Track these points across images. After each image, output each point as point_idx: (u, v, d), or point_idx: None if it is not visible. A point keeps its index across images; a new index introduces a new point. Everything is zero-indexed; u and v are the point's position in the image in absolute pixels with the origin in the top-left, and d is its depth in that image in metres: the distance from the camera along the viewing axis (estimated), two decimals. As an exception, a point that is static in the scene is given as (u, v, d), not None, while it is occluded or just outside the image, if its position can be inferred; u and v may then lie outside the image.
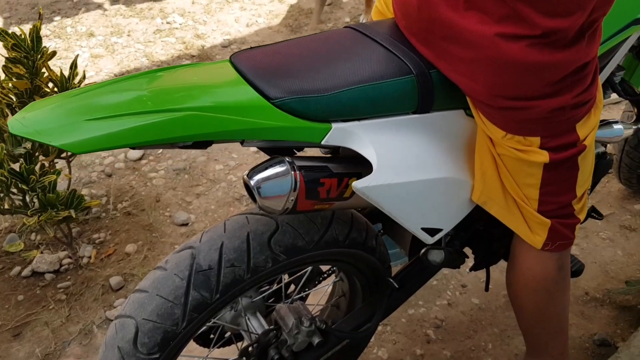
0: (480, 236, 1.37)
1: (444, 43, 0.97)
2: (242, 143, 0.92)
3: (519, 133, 1.01)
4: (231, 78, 0.93)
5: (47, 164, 1.79)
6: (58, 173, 1.74)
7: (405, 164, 1.00)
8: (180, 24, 3.51)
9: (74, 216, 1.75)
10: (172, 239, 2.13)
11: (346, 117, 0.95)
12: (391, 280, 1.34)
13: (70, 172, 1.97)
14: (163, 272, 1.07)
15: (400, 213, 1.02)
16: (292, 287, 1.49)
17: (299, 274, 1.43)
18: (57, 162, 1.93)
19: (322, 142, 0.93)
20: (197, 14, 3.61)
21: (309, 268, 1.40)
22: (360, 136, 0.96)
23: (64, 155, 1.91)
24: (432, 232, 1.10)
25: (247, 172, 0.94)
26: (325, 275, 1.54)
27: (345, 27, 1.11)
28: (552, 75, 0.93)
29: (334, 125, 0.93)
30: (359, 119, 0.97)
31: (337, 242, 1.18)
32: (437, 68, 1.01)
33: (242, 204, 2.26)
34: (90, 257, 2.06)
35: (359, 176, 1.01)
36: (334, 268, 1.54)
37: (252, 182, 0.92)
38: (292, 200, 0.93)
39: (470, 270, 1.48)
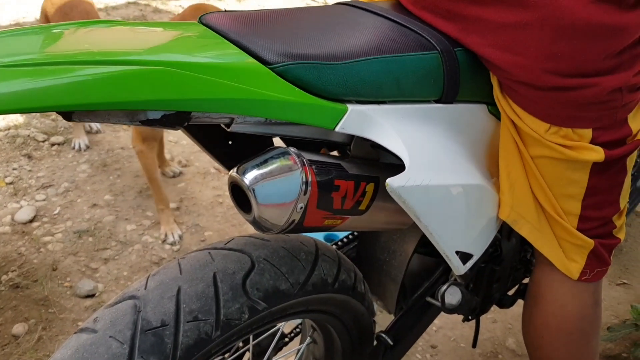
0: (481, 275, 1.14)
1: (476, 9, 0.77)
2: (228, 126, 0.64)
3: (567, 124, 0.81)
4: (209, 38, 0.66)
5: None
6: None
7: (438, 163, 0.76)
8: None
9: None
10: (75, 314, 1.71)
11: (364, 97, 0.71)
12: (384, 335, 1.06)
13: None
14: (91, 336, 0.73)
15: (437, 227, 0.76)
16: (247, 356, 1.18)
17: (259, 338, 1.12)
18: None
19: (337, 129, 0.67)
20: None
21: (279, 327, 1.09)
22: (382, 124, 0.71)
23: None
24: (463, 259, 0.85)
25: (235, 167, 0.65)
26: (288, 339, 1.24)
27: (337, 3, 0.88)
28: (615, 44, 0.75)
29: (351, 107, 0.68)
30: (377, 102, 0.72)
31: (325, 285, 0.90)
32: (462, 45, 0.80)
33: (161, 269, 1.89)
34: (-37, 344, 1.59)
35: (376, 182, 0.76)
36: (300, 328, 1.25)
37: (246, 181, 0.63)
38: (301, 208, 0.65)
39: (464, 320, 1.24)
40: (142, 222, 2.08)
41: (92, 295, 1.78)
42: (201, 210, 2.16)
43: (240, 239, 0.87)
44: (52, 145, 2.50)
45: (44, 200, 2.15)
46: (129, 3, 4.26)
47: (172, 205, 2.16)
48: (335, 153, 1.04)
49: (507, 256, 1.14)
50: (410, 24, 0.81)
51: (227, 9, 0.74)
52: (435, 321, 1.73)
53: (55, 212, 2.10)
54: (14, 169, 2.30)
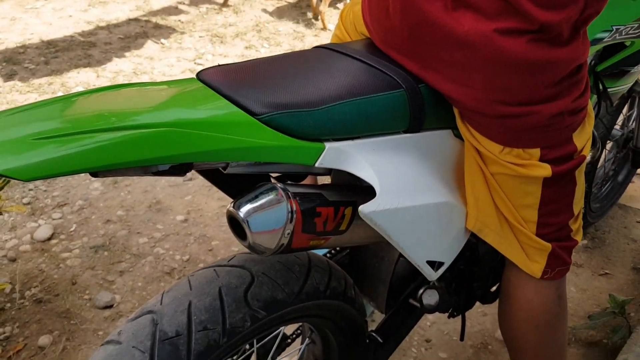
0: (462, 276, 1.26)
1: (432, 49, 0.89)
2: (224, 169, 0.77)
3: (518, 145, 0.93)
4: (205, 94, 0.78)
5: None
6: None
7: (407, 187, 0.88)
8: (84, 98, 3.28)
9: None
10: (95, 325, 1.84)
11: (339, 135, 0.83)
12: (374, 334, 1.19)
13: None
14: (117, 347, 0.86)
15: (407, 243, 0.89)
16: (254, 358, 1.30)
17: (263, 340, 1.25)
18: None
19: (316, 164, 0.80)
20: (102, 87, 3.39)
21: (280, 330, 1.22)
22: (356, 157, 0.83)
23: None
24: (434, 266, 0.98)
25: (231, 203, 0.78)
26: (290, 340, 1.37)
27: (315, 47, 1.01)
28: (552, 75, 0.87)
29: (328, 145, 0.81)
30: (352, 138, 0.85)
31: (318, 293, 1.02)
32: (424, 81, 0.92)
33: (173, 278, 2.03)
34: (-6, 357, 1.73)
35: (354, 205, 0.88)
36: (300, 330, 1.37)
37: (241, 214, 0.76)
38: (288, 234, 0.78)
39: (450, 317, 1.36)
40: (153, 235, 2.22)
41: (111, 306, 1.91)
42: (207, 221, 2.29)
43: (241, 255, 1.00)
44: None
45: (60, 218, 2.29)
46: (130, 20, 4.39)
47: (180, 217, 2.30)
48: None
49: (484, 258, 1.26)
50: (379, 64, 0.93)
51: (220, 64, 0.87)
52: (430, 317, 1.86)
53: (72, 229, 2.24)
54: (30, 189, 2.44)
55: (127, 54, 3.83)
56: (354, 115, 0.83)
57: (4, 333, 1.80)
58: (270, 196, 0.77)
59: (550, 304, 1.08)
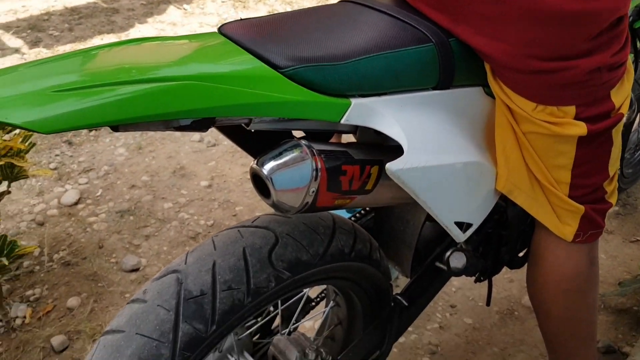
0: (490, 240, 1.23)
1: (463, 1, 0.85)
2: (247, 125, 0.75)
3: (552, 102, 0.89)
4: (227, 48, 0.76)
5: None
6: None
7: (435, 145, 0.85)
8: (108, 64, 3.28)
9: (7, 264, 1.47)
10: (122, 287, 1.87)
11: (366, 91, 0.80)
12: (399, 297, 1.18)
13: (-1, 216, 1.69)
14: (142, 305, 0.86)
15: (435, 202, 0.87)
16: (278, 320, 1.31)
17: (287, 303, 1.25)
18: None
19: (342, 121, 0.77)
20: (126, 54, 3.40)
21: (304, 293, 1.22)
22: (383, 114, 0.81)
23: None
24: (463, 227, 0.95)
25: (255, 160, 0.76)
26: (314, 303, 1.36)
27: (340, 1, 0.97)
28: (590, 28, 0.82)
29: (354, 101, 0.78)
30: (379, 94, 0.82)
31: (342, 255, 1.01)
32: (455, 35, 0.89)
33: (198, 242, 2.04)
34: (24, 317, 1.76)
35: (380, 164, 0.86)
36: (324, 293, 1.37)
37: (265, 171, 0.74)
38: (313, 192, 0.76)
39: (476, 281, 1.34)
40: (178, 200, 2.22)
41: (137, 270, 1.93)
42: (231, 186, 2.29)
43: (265, 217, 0.98)
44: (90, 130, 2.64)
45: (86, 183, 2.31)
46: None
47: (204, 183, 2.30)
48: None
49: (513, 221, 1.23)
50: (407, 18, 0.89)
51: (242, 17, 0.84)
52: (455, 282, 1.84)
53: (98, 194, 2.25)
54: (57, 155, 2.46)
55: (149, 19, 3.81)
56: (381, 70, 0.80)
57: (34, 295, 1.83)
58: (295, 153, 0.75)
59: (581, 268, 1.05)
